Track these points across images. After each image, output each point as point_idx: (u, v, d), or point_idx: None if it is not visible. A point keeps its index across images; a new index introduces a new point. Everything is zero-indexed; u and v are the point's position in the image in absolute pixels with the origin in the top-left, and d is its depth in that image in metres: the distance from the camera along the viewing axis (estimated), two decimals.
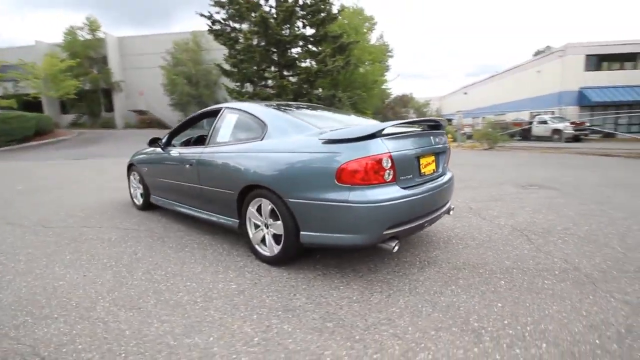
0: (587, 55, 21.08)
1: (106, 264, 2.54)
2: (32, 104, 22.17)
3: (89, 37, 27.05)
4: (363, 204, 1.94)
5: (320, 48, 17.67)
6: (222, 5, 17.16)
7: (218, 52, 24.36)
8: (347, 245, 2.09)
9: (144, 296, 2.04)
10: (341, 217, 2.00)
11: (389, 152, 2.01)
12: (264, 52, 16.74)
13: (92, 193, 5.38)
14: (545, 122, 18.72)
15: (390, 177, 2.02)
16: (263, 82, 18.39)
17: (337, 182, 2.00)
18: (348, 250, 2.62)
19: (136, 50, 29.34)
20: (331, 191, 2.02)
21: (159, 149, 3.70)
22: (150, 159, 3.83)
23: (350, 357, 1.47)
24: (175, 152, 3.48)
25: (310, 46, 18.14)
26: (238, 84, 18.16)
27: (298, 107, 3.09)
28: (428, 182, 2.35)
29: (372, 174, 1.96)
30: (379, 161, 1.97)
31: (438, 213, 2.43)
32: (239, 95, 17.67)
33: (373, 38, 25.70)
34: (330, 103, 16.53)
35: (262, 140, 2.49)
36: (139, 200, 4.19)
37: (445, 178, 2.57)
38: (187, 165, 3.08)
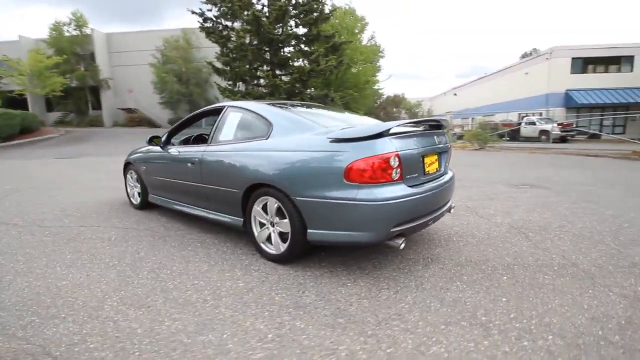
0: (573, 58, 21.63)
1: (109, 264, 2.51)
2: (16, 101, 21.55)
3: (75, 33, 26.45)
4: (371, 202, 1.97)
5: (313, 48, 17.68)
6: (214, 3, 17.02)
7: (209, 50, 24.13)
8: (355, 242, 2.12)
9: (152, 295, 2.03)
10: (349, 215, 2.03)
11: (397, 151, 2.05)
12: (257, 51, 16.67)
13: (85, 192, 5.29)
14: (533, 123, 19.14)
15: (398, 175, 2.06)
16: (255, 81, 18.31)
17: (345, 181, 2.03)
18: (353, 248, 2.65)
19: (125, 47, 28.83)
20: (339, 189, 2.04)
21: (157, 148, 3.66)
22: (149, 157, 3.79)
23: (365, 351, 1.49)
24: (175, 150, 3.46)
25: (302, 46, 18.15)
26: (230, 82, 18.04)
27: (300, 106, 3.11)
28: (432, 180, 2.40)
29: (380, 172, 1.99)
30: (387, 160, 2.00)
31: (441, 211, 2.49)
32: (231, 94, 17.56)
33: (364, 39, 25.86)
34: (322, 103, 16.55)
35: (267, 139, 2.49)
36: (137, 200, 4.14)
37: (447, 177, 2.62)
38: (189, 164, 3.06)
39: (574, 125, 17.94)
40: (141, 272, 2.36)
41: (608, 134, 18.36)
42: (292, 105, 3.06)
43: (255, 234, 2.56)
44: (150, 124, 28.57)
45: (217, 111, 3.11)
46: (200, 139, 3.86)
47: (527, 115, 21.03)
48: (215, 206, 2.91)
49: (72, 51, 25.82)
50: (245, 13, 16.53)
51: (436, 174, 2.50)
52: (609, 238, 2.90)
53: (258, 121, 2.66)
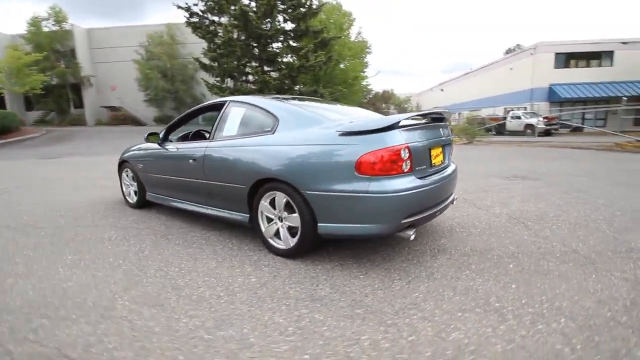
0: (557, 54, 22.18)
1: (113, 263, 2.46)
2: None
3: (54, 28, 25.55)
4: (384, 194, 1.98)
5: (301, 43, 17.58)
6: None
7: (195, 46, 23.70)
8: (367, 235, 2.14)
9: (164, 293, 2.01)
10: (361, 208, 2.04)
11: (407, 144, 2.07)
12: (245, 47, 16.48)
13: (75, 192, 5.15)
14: (518, 118, 19.56)
15: (408, 167, 2.08)
16: (244, 77, 18.10)
17: (356, 173, 2.04)
18: (361, 240, 2.67)
19: (107, 43, 28.03)
20: (351, 182, 2.05)
21: (155, 145, 3.59)
22: (146, 155, 3.71)
23: (387, 340, 1.52)
24: (173, 147, 3.40)
25: (291, 41, 18.01)
26: (218, 79, 17.78)
27: (302, 100, 3.10)
28: (438, 172, 2.44)
29: (391, 164, 2.01)
30: (398, 152, 2.02)
31: (447, 202, 2.53)
32: (220, 91, 17.34)
33: (352, 35, 25.85)
34: None
35: (273, 133, 2.48)
36: (133, 199, 4.06)
37: (451, 169, 2.66)
38: (191, 160, 3.02)
39: (559, 119, 18.42)
40: (148, 270, 2.32)
41: (590, 126, 18.92)
42: (295, 99, 3.05)
43: (263, 229, 2.55)
44: (135, 122, 27.95)
45: (218, 106, 3.07)
46: (199, 135, 3.82)
47: (512, 110, 21.47)
48: (219, 203, 2.88)
49: (51, 47, 24.95)
50: (232, 8, 16.30)
51: (441, 166, 2.53)
52: (604, 225, 3.01)
53: (263, 116, 2.63)
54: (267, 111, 2.61)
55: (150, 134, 3.52)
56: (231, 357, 1.43)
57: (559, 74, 22.14)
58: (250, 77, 17.85)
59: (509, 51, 41.26)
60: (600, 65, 22.40)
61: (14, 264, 2.51)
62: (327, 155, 2.15)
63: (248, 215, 2.65)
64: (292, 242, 2.38)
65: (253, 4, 17.04)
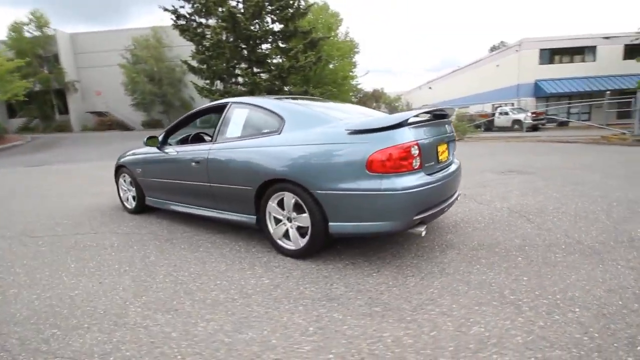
0: (541, 50, 22.65)
1: (119, 270, 2.41)
2: None
3: (37, 33, 24.95)
4: (396, 191, 1.99)
5: (291, 44, 17.55)
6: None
7: (182, 49, 23.44)
8: (379, 232, 2.15)
9: (176, 297, 1.97)
10: (374, 205, 2.05)
11: (416, 141, 2.08)
12: (234, 48, 16.37)
13: (67, 199, 5.02)
14: (506, 113, 19.91)
15: (418, 164, 2.10)
16: (233, 79, 17.98)
17: (367, 172, 2.04)
18: (370, 238, 2.68)
19: (91, 48, 27.51)
20: (362, 180, 2.05)
21: (154, 149, 3.54)
22: (145, 159, 3.65)
23: (409, 336, 1.52)
24: (173, 150, 3.35)
25: (280, 42, 17.97)
26: (207, 81, 17.62)
27: (304, 100, 3.09)
28: (444, 169, 2.46)
29: (402, 162, 2.02)
30: (408, 149, 2.03)
31: (454, 198, 2.55)
32: (209, 94, 17.18)
33: (340, 35, 25.88)
34: None
35: (279, 134, 2.46)
36: (131, 204, 3.99)
37: (456, 165, 2.69)
38: (193, 163, 2.98)
39: (546, 114, 18.82)
40: (157, 276, 2.28)
41: (576, 120, 19.39)
42: (297, 99, 3.04)
43: (271, 230, 2.53)
44: (123, 127, 27.49)
45: (220, 108, 3.04)
46: (199, 138, 3.77)
47: (500, 106, 21.84)
48: (224, 205, 2.85)
49: (34, 53, 24.38)
50: (220, 9, 16.19)
51: (446, 163, 2.56)
52: (603, 216, 3.08)
53: (267, 116, 2.62)
54: (272, 112, 2.59)
55: (150, 138, 3.46)
56: None
57: (544, 70, 22.63)
58: (240, 79, 17.75)
59: (493, 48, 41.97)
60: (583, 60, 22.97)
61: (15, 274, 2.44)
62: (336, 154, 2.15)
63: (255, 217, 2.63)
64: (302, 242, 2.37)
65: (240, 5, 16.95)
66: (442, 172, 2.38)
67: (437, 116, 2.73)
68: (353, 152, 2.09)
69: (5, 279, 2.36)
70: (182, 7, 16.96)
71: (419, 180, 2.09)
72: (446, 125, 2.58)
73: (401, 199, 2.01)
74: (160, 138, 3.48)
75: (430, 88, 38.61)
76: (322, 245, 2.36)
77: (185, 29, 17.11)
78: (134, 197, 3.94)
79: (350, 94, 26.19)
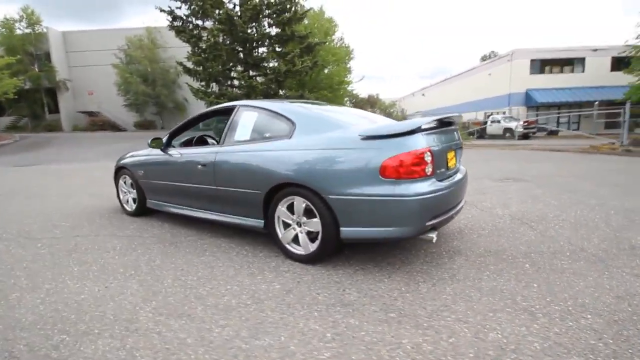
0: (532, 60, 23.18)
1: (125, 274, 2.37)
2: None
3: (28, 30, 24.54)
4: (409, 197, 2.01)
5: (287, 48, 17.60)
6: (184, 1, 16.47)
7: (176, 50, 23.32)
8: (391, 238, 2.16)
9: (187, 302, 1.94)
10: (387, 211, 2.06)
11: (429, 147, 2.10)
12: (231, 51, 16.33)
13: (63, 201, 4.92)
14: (498, 122, 20.26)
15: (430, 170, 2.12)
16: (229, 82, 17.93)
17: (381, 177, 2.05)
18: (377, 244, 2.68)
19: (84, 47, 27.18)
20: (375, 186, 2.06)
21: (157, 151, 3.50)
22: (147, 161, 3.60)
23: (428, 343, 1.53)
24: (177, 153, 3.32)
25: (277, 46, 18.00)
26: (203, 83, 17.52)
27: (311, 104, 3.10)
28: (452, 175, 2.49)
29: (416, 168, 2.04)
30: (422, 156, 2.05)
31: (461, 204, 2.58)
32: (205, 96, 17.07)
33: (335, 41, 26.07)
34: None
35: (290, 138, 2.46)
36: (131, 206, 3.92)
37: (463, 172, 2.73)
38: (199, 166, 2.95)
39: (537, 123, 19.21)
40: (165, 280, 2.25)
41: (566, 130, 19.83)
42: (306, 103, 3.04)
43: (280, 235, 2.52)
44: (115, 127, 27.13)
45: (227, 111, 3.03)
46: (202, 141, 3.75)
47: (491, 114, 22.22)
48: (230, 209, 2.83)
49: (25, 50, 23.94)
50: (217, 12, 16.17)
51: (454, 169, 2.59)
52: (602, 224, 3.15)
53: (278, 120, 2.61)
54: (282, 116, 2.59)
55: (154, 139, 3.42)
56: None
57: (535, 80, 23.14)
58: (236, 82, 17.70)
59: (484, 58, 42.78)
60: (572, 71, 23.58)
61: (15, 277, 2.37)
62: (349, 159, 2.15)
63: (263, 221, 2.62)
64: (312, 247, 2.36)
65: (237, 8, 16.96)
66: (451, 178, 2.41)
67: (445, 123, 2.77)
68: (366, 158, 2.10)
69: (6, 282, 2.29)
70: (179, 8, 16.89)
71: (431, 187, 2.11)
72: (454, 133, 2.61)
73: (414, 204, 2.03)
74: (164, 140, 3.45)
75: (423, 95, 39.09)
76: (333, 250, 2.35)
77: (182, 30, 17.02)
78: (134, 200, 3.88)
79: (345, 99, 26.33)
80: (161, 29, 25.12)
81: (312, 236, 2.39)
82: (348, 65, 26.51)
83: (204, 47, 16.49)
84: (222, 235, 3.13)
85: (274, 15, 16.99)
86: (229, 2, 17.19)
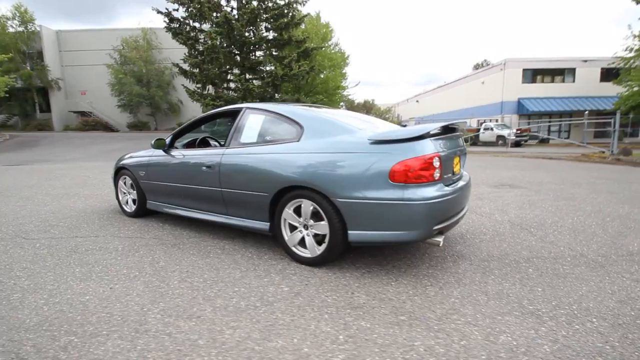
0: (524, 70, 23.66)
1: (129, 275, 2.34)
2: None
3: (20, 28, 24.22)
4: (419, 201, 2.03)
5: (284, 52, 17.67)
6: (181, 3, 16.43)
7: (172, 52, 23.26)
8: (399, 241, 2.18)
9: (196, 304, 1.93)
10: (396, 215, 2.08)
11: (438, 153, 2.14)
12: (228, 54, 16.33)
13: (57, 201, 4.84)
14: (491, 129, 20.58)
15: (438, 175, 2.15)
16: (225, 85, 17.89)
17: (390, 181, 2.07)
18: (380, 247, 2.70)
19: (78, 46, 26.92)
20: (384, 190, 2.08)
21: (159, 151, 3.48)
22: (149, 162, 3.57)
23: (441, 345, 1.54)
24: (180, 154, 3.31)
25: (273, 50, 18.05)
26: (199, 85, 17.45)
27: (317, 107, 3.11)
28: (457, 181, 2.52)
29: (424, 172, 2.06)
30: (430, 161, 2.08)
31: (466, 209, 2.62)
32: (201, 98, 17.00)
33: (331, 46, 26.25)
34: None
35: (299, 141, 2.48)
36: (131, 207, 3.88)
37: (467, 177, 2.77)
38: (204, 168, 2.94)
39: (530, 131, 19.57)
40: (171, 281, 2.23)
41: (558, 138, 20.23)
42: (312, 107, 3.06)
43: (286, 238, 2.52)
44: (107, 128, 26.86)
45: (233, 113, 3.04)
46: (205, 142, 3.74)
47: (484, 122, 22.56)
48: (235, 211, 2.82)
49: (17, 48, 23.60)
50: (215, 15, 16.18)
51: (459, 175, 2.63)
52: (599, 231, 3.22)
53: (286, 123, 2.63)
54: (290, 119, 2.60)
55: (158, 140, 3.40)
56: None
57: (527, 89, 23.61)
58: (232, 85, 17.67)
59: (477, 66, 43.50)
60: (563, 81, 24.13)
61: (16, 277, 2.33)
62: (359, 163, 2.17)
63: (268, 224, 2.62)
64: (319, 250, 2.36)
65: (235, 12, 17.00)
66: (455, 184, 2.44)
67: (450, 129, 2.81)
68: (376, 162, 2.12)
69: (6, 283, 2.25)
70: (176, 10, 16.84)
71: (439, 191, 2.14)
72: (459, 139, 2.66)
73: (423, 209, 2.05)
74: (167, 141, 3.43)
75: (417, 102, 39.51)
76: (340, 253, 2.36)
77: (179, 32, 16.95)
78: (134, 201, 3.85)
79: (341, 104, 26.49)
80: (157, 30, 25.04)
81: (318, 239, 2.40)
82: (344, 71, 26.76)
83: (201, 50, 16.45)
84: (225, 237, 3.12)
85: (272, 20, 17.07)
86: (226, 5, 17.26)
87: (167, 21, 17.01)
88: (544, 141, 20.72)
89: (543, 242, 2.93)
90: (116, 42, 25.62)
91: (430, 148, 2.11)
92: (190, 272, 2.37)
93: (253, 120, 2.83)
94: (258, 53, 18.05)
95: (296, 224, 2.47)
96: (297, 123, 2.55)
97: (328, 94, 23.58)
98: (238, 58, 17.26)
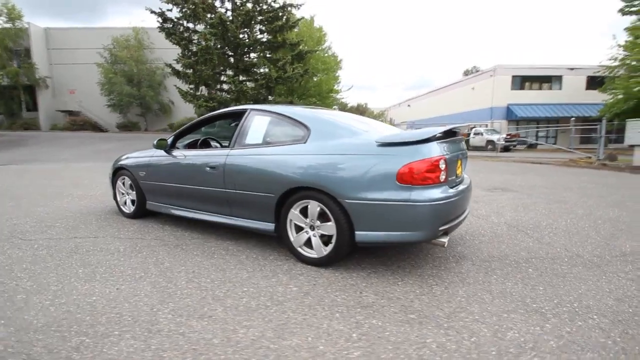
0: (513, 76, 24.21)
1: (134, 276, 2.32)
2: None
3: (7, 25, 23.69)
4: (426, 202, 2.08)
5: (278, 55, 17.70)
6: (175, 3, 16.33)
7: (164, 52, 23.06)
8: (405, 242, 2.22)
9: (206, 304, 1.93)
10: (403, 215, 2.12)
11: (444, 155, 2.20)
12: (222, 55, 16.28)
13: (51, 202, 4.75)
14: (480, 134, 20.94)
15: (444, 177, 2.20)
16: (219, 86, 17.81)
17: (398, 183, 2.12)
18: (383, 248, 2.74)
19: (67, 44, 26.45)
20: (392, 191, 2.13)
21: (161, 152, 3.46)
22: (150, 162, 3.55)
23: (452, 342, 1.58)
24: (182, 154, 3.30)
25: (267, 52, 18.07)
26: (192, 86, 17.33)
27: (321, 110, 3.15)
28: (460, 183, 2.59)
29: (431, 174, 2.12)
30: (437, 163, 2.14)
31: (468, 211, 2.68)
32: (193, 99, 16.89)
33: (324, 49, 26.41)
34: None
35: (305, 143, 2.51)
36: (129, 208, 3.84)
37: (468, 180, 2.84)
38: (208, 168, 2.94)
39: (520, 136, 20.00)
40: (178, 282, 2.22)
41: (546, 143, 20.72)
42: (314, 109, 3.09)
43: (292, 238, 2.54)
44: (96, 127, 26.40)
45: (237, 114, 3.05)
46: (206, 143, 3.74)
47: (474, 127, 22.95)
48: (240, 212, 2.83)
49: (3, 45, 23.07)
50: (210, 16, 16.13)
51: (461, 177, 2.69)
52: (592, 232, 3.33)
53: (292, 125, 2.65)
54: (297, 121, 2.63)
55: (160, 140, 3.39)
56: None
57: (516, 95, 24.16)
58: (225, 86, 17.60)
59: (467, 72, 44.29)
60: (551, 88, 24.79)
61: (17, 278, 2.29)
62: (367, 164, 2.21)
63: (273, 225, 2.63)
64: (325, 250, 2.39)
65: (230, 13, 16.98)
66: (459, 186, 2.51)
67: (452, 133, 2.88)
68: (384, 164, 2.17)
69: (8, 284, 2.21)
70: (170, 10, 16.73)
71: (444, 193, 2.19)
72: (461, 142, 2.73)
73: (429, 210, 2.10)
74: (169, 141, 3.42)
75: (409, 106, 39.96)
76: (346, 253, 2.40)
77: (172, 32, 16.83)
78: (133, 201, 3.81)
79: (334, 107, 26.64)
80: (149, 30, 24.80)
81: (324, 239, 2.42)
82: (337, 74, 26.94)
83: (194, 50, 16.36)
84: (228, 238, 3.12)
85: (266, 22, 17.10)
86: (221, 6, 17.23)
87: (161, 21, 16.89)
88: (532, 146, 21.19)
89: (540, 243, 3.02)
90: (107, 40, 25.26)
91: (436, 151, 2.17)
92: (196, 273, 2.37)
93: (258, 122, 2.85)
94: (252, 55, 18.05)
95: (302, 225, 2.49)
96: (303, 125, 2.58)
97: (321, 97, 23.71)
98: (232, 59, 17.23)
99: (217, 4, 17.16)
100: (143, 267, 2.48)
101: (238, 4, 16.95)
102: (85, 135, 22.10)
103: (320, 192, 2.34)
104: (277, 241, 2.96)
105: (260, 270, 2.41)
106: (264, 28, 17.40)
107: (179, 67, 17.15)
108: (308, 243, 2.49)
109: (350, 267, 2.46)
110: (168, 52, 20.39)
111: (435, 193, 2.14)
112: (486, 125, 22.60)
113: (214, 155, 2.99)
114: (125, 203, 3.91)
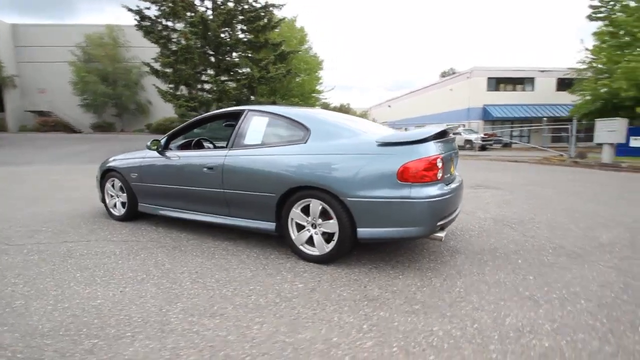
0: (489, 78, 25.13)
1: (136, 278, 2.30)
2: None
3: None
4: (425, 199, 2.18)
5: (261, 55, 17.60)
6: (153, 1, 15.92)
7: (141, 50, 22.41)
8: (406, 237, 2.32)
9: (215, 303, 1.95)
10: (404, 212, 2.22)
11: (440, 154, 2.31)
12: (202, 54, 16.02)
13: (32, 205, 4.57)
14: (459, 134, 21.59)
15: (441, 175, 2.32)
16: (199, 86, 17.51)
17: (398, 181, 2.21)
18: (381, 244, 2.84)
19: (36, 42, 25.24)
20: (392, 189, 2.22)
21: (153, 153, 3.42)
22: (142, 163, 3.49)
23: (457, 329, 1.68)
24: (176, 155, 3.28)
25: (249, 52, 17.93)
26: (172, 85, 16.95)
27: (318, 110, 3.21)
28: (454, 181, 2.72)
29: (429, 173, 2.22)
30: (434, 162, 2.24)
31: (460, 207, 2.81)
32: (173, 98, 16.54)
33: (305, 49, 26.48)
34: None
35: (306, 143, 2.56)
36: (120, 211, 3.76)
37: (460, 178, 2.97)
38: (205, 169, 2.94)
39: (496, 136, 20.77)
40: (183, 282, 2.22)
41: (520, 142, 21.63)
42: (311, 109, 3.15)
43: (293, 237, 2.59)
44: (68, 128, 25.33)
45: (235, 115, 3.06)
46: (199, 144, 3.72)
47: (452, 127, 23.67)
48: (239, 212, 2.85)
49: None
50: (189, 15, 15.84)
51: (453, 175, 2.82)
52: (572, 225, 3.56)
53: (291, 126, 2.70)
54: (296, 121, 2.68)
55: (154, 141, 3.35)
56: (326, 356, 1.48)
57: (491, 96, 25.10)
58: (207, 86, 17.33)
59: (444, 74, 45.47)
60: (524, 89, 25.92)
61: (12, 284, 2.22)
62: (368, 163, 2.29)
63: (274, 224, 2.67)
64: (328, 248, 2.45)
65: (210, 12, 16.73)
66: (453, 183, 2.63)
67: (445, 133, 3.01)
68: (384, 163, 2.25)
69: (3, 290, 2.14)
70: (148, 8, 16.30)
71: (441, 190, 2.30)
72: (453, 142, 2.86)
73: (428, 206, 2.21)
74: (162, 142, 3.38)
75: (389, 106, 40.63)
76: (348, 250, 2.47)
77: (150, 31, 16.40)
78: (123, 204, 3.73)
79: (316, 106, 26.71)
80: (124, 28, 24.06)
81: (325, 237, 2.48)
82: (319, 75, 27.07)
83: (174, 49, 16.01)
84: (225, 238, 3.13)
85: (248, 22, 16.97)
86: (200, 5, 16.94)
87: (138, 19, 16.41)
88: (507, 145, 22.06)
89: (525, 236, 3.20)
90: (79, 38, 24.30)
91: (433, 150, 2.27)
92: (200, 273, 2.37)
93: (256, 123, 2.88)
94: (234, 55, 17.86)
95: (304, 223, 2.55)
96: (303, 125, 2.63)
97: (304, 97, 23.78)
98: (213, 59, 16.98)
99: (197, 2, 16.88)
100: (143, 269, 2.46)
101: (219, 2, 16.73)
102: (57, 136, 21.15)
103: (322, 191, 2.40)
104: (276, 240, 2.99)
105: (264, 269, 2.45)
106: (245, 28, 17.25)
107: (157, 66, 16.76)
108: (309, 241, 2.55)
109: (351, 263, 2.53)
110: (145, 51, 19.83)
111: (433, 190, 2.25)
112: (463, 125, 23.32)
113: (211, 156, 2.99)
114: (115, 205, 3.82)
